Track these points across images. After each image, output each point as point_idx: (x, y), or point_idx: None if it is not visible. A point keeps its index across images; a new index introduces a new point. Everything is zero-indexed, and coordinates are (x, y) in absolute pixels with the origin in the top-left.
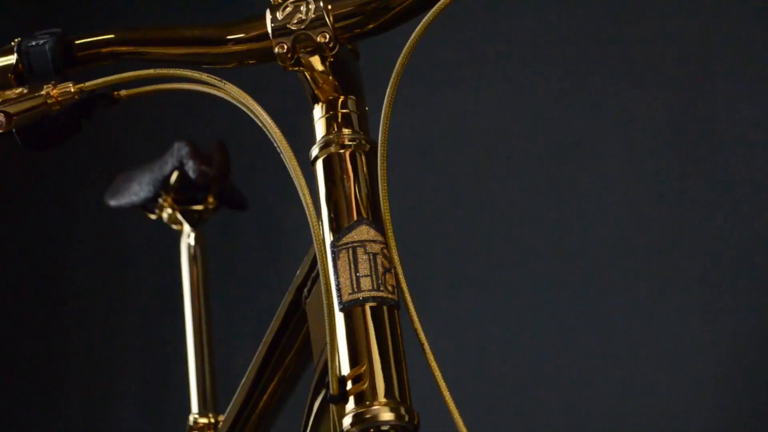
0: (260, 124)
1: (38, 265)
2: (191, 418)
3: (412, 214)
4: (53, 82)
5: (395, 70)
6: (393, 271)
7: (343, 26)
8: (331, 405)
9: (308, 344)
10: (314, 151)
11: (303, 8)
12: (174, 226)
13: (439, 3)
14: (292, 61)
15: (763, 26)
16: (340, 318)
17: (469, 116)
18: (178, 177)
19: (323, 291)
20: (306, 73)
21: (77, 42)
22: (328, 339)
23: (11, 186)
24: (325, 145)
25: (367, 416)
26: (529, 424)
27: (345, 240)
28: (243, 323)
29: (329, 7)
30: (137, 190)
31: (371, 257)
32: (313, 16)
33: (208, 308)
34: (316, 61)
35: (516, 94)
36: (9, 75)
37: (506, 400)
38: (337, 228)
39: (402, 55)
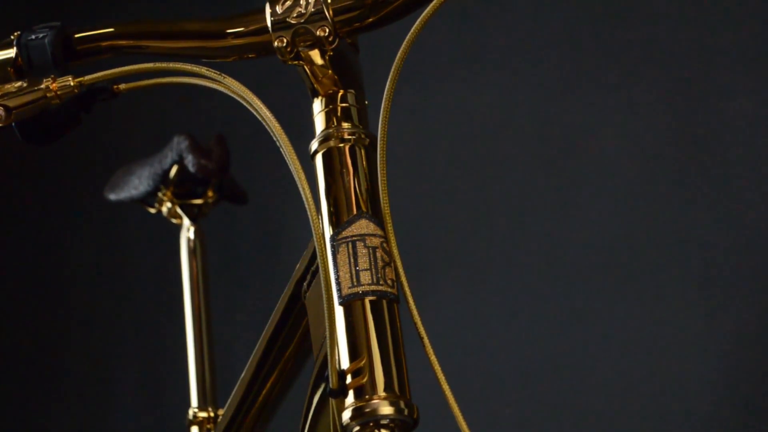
0: (260, 118)
1: (38, 259)
2: (191, 412)
3: (412, 208)
4: (53, 75)
5: (395, 64)
6: (392, 264)
7: (342, 20)
8: (330, 399)
9: (308, 338)
10: (314, 145)
11: (302, 2)
12: (173, 220)
13: None
14: (292, 55)
15: (763, 20)
16: (339, 312)
17: (468, 110)
18: (178, 171)
19: (323, 285)
20: (305, 66)
21: (77, 36)
22: (327, 333)
23: (10, 180)
24: (325, 139)
25: (367, 410)
26: (528, 417)
27: (344, 234)
28: (242, 317)
29: (329, 1)
30: (137, 184)
31: (371, 251)
32: (312, 9)
33: (207, 302)
34: (315, 55)
35: (516, 88)
36: (8, 69)
37: (505, 394)
38: (336, 222)
39: (401, 49)
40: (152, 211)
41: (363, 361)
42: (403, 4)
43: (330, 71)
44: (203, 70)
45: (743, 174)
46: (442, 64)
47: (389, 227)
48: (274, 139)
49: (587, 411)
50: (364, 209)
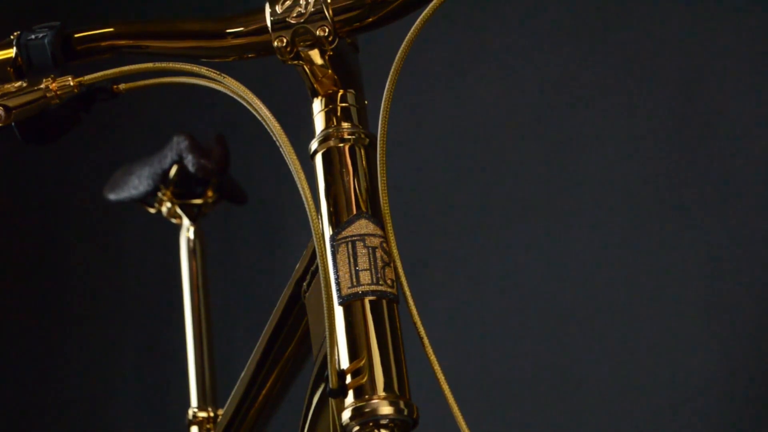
0: (259, 118)
1: (37, 259)
2: (190, 412)
3: (412, 207)
4: (52, 75)
5: (394, 63)
6: (392, 264)
7: (342, 20)
8: (330, 399)
9: (307, 338)
10: (313, 144)
11: (302, 2)
12: (173, 220)
13: None
14: (292, 55)
15: (763, 19)
16: (339, 312)
17: (468, 110)
18: (178, 171)
19: (322, 285)
20: (305, 66)
21: (76, 35)
22: (327, 333)
23: (10, 180)
24: (325, 139)
25: (367, 410)
26: (528, 416)
27: (344, 234)
28: (242, 317)
29: (328, 0)
30: (136, 184)
31: (370, 251)
32: (312, 9)
33: (207, 302)
34: (315, 55)
35: (515, 86)
36: (8, 68)
37: (505, 393)
38: (336, 222)
39: (401, 48)
40: (152, 211)
41: (363, 361)
42: (402, 4)
43: (330, 71)
44: (203, 70)
45: (743, 173)
46: (442, 63)
47: (389, 227)
48: (274, 139)
49: (587, 410)
50: (363, 209)
